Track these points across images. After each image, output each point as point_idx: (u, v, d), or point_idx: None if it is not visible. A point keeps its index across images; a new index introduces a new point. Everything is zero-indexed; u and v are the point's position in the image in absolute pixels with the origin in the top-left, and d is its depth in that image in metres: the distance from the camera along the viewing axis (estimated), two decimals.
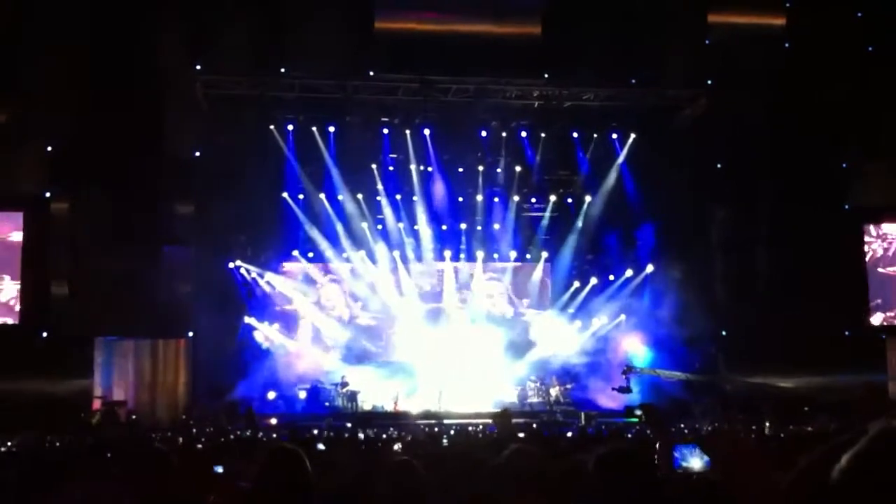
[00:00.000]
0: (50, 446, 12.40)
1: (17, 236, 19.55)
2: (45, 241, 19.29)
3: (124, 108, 18.17)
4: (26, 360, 18.09)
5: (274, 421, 17.93)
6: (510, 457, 4.98)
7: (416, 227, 21.48)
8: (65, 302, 19.22)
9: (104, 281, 18.34)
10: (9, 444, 12.57)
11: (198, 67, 19.18)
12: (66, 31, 17.81)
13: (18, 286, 19.35)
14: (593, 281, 21.54)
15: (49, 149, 19.17)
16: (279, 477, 4.28)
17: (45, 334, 19.00)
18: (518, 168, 21.38)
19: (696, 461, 6.37)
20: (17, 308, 19.33)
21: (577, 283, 21.66)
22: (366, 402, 19.89)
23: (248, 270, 20.97)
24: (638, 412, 11.74)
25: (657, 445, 5.72)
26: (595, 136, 21.28)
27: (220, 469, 6.02)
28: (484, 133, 21.08)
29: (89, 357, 19.24)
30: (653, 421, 7.41)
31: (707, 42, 19.75)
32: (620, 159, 21.33)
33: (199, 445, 11.60)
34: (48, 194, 19.43)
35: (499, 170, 21.47)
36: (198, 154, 19.84)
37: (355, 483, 5.77)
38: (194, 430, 16.13)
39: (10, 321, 19.23)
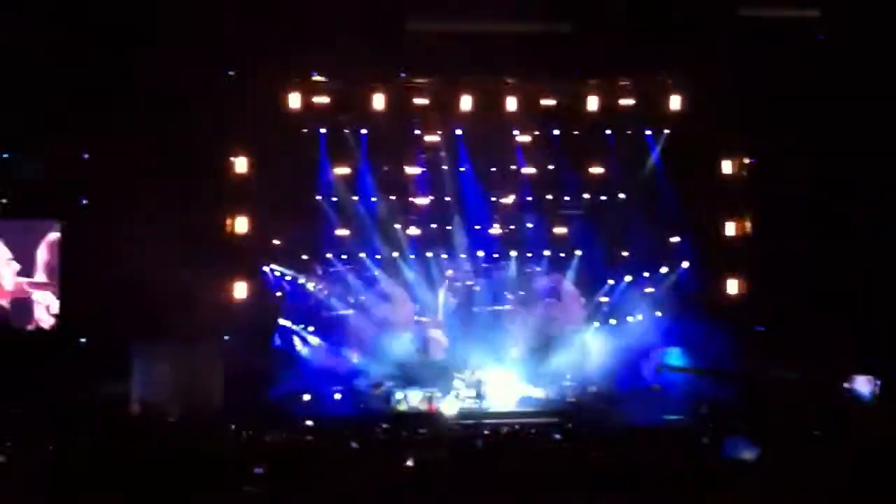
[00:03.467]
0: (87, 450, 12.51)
1: (57, 243, 19.89)
2: (83, 248, 19.59)
3: (157, 113, 18.41)
4: (65, 365, 18.38)
5: (309, 422, 18.00)
6: (549, 455, 4.97)
7: (448, 228, 21.47)
8: (102, 307, 19.50)
9: (140, 286, 18.56)
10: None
11: (230, 73, 19.35)
12: (94, 36, 18.07)
13: (58, 292, 19.67)
14: (628, 278, 21.40)
15: (86, 157, 19.47)
16: (293, 472, 4.33)
17: (83, 340, 19.30)
18: (550, 167, 21.31)
19: (747, 453, 6.35)
20: (57, 314, 19.66)
21: (611, 281, 21.53)
22: (401, 403, 19.90)
23: (282, 273, 21.10)
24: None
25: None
26: (628, 132, 21.16)
27: (259, 470, 6.05)
28: (516, 132, 21.04)
29: (126, 362, 19.48)
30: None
31: (738, 35, 19.56)
32: (655, 156, 21.18)
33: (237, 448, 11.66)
34: (85, 202, 19.75)
35: (531, 169, 21.41)
36: (232, 159, 20.02)
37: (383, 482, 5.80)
38: (231, 432, 16.24)
39: (49, 327, 19.55)
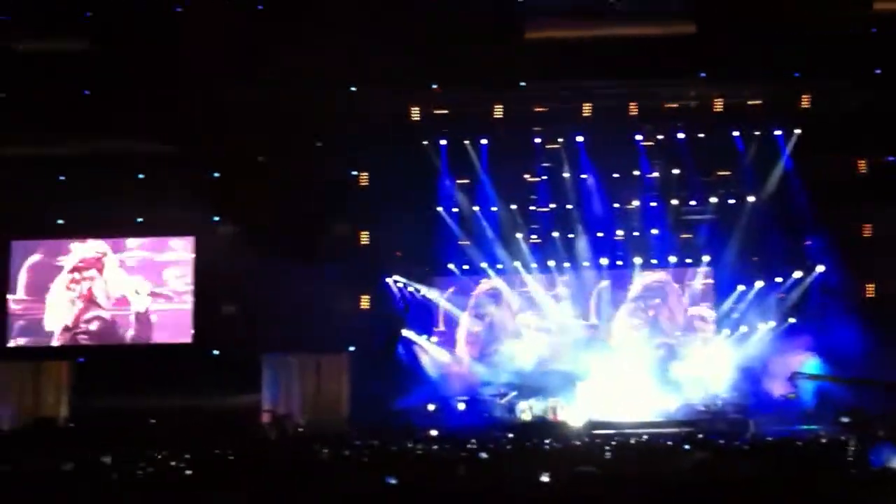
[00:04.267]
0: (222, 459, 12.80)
1: (190, 260, 20.61)
2: (215, 264, 20.22)
3: (280, 130, 18.86)
4: (200, 376, 19.00)
5: (434, 432, 18.04)
6: (696, 468, 4.77)
7: (570, 236, 21.23)
8: (234, 321, 20.09)
9: (269, 300, 19.02)
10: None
11: (352, 88, 19.65)
12: (220, 58, 18.61)
13: (192, 307, 20.37)
14: (759, 284, 20.68)
15: (216, 175, 20.11)
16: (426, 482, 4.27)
17: (216, 352, 19.91)
18: (675, 171, 20.83)
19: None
20: (192, 328, 20.34)
21: (741, 287, 20.84)
22: (525, 413, 19.73)
23: (404, 284, 21.26)
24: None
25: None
26: (756, 133, 20.51)
27: (393, 480, 5.98)
28: (639, 137, 20.65)
29: (257, 373, 20.00)
30: None
31: (874, 31, 18.74)
32: (785, 157, 20.47)
33: (364, 459, 11.72)
34: (216, 219, 20.39)
35: (655, 173, 20.97)
36: (354, 173, 20.32)
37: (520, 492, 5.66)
38: (357, 443, 16.41)
39: (185, 340, 20.25)
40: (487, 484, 5.73)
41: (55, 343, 20.42)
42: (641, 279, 21.32)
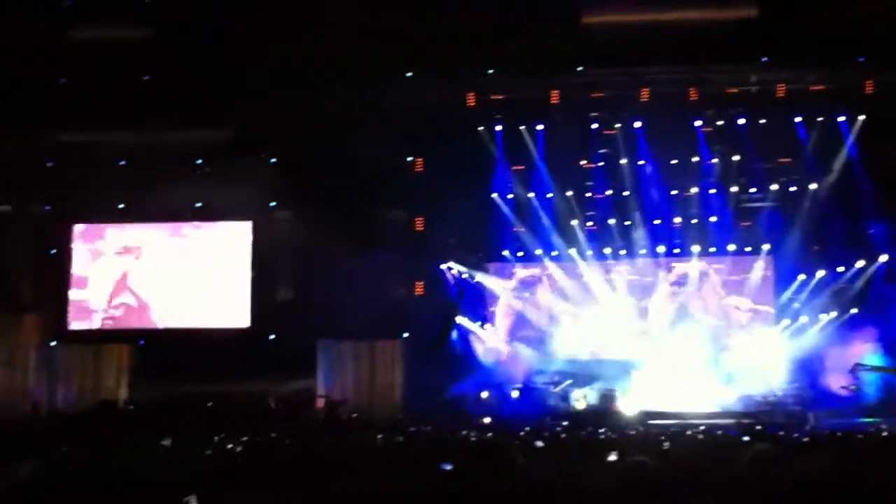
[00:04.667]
0: (276, 445, 12.91)
1: (248, 245, 20.79)
2: (272, 249, 20.40)
3: (336, 118, 18.90)
4: (256, 362, 19.19)
5: (487, 420, 18.02)
6: (755, 460, 4.67)
7: (627, 223, 21.01)
8: (290, 306, 20.26)
9: (324, 286, 19.12)
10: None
11: (408, 74, 19.62)
12: (272, 42, 18.71)
13: (250, 292, 20.57)
14: (820, 273, 20.26)
15: (272, 161, 20.25)
16: (486, 467, 4.23)
17: (272, 337, 20.10)
18: (735, 157, 20.46)
19: None
20: (249, 313, 20.55)
21: (802, 276, 20.44)
22: (579, 402, 19.61)
23: (459, 271, 21.23)
24: None
25: None
26: (819, 119, 20.06)
27: (448, 467, 5.96)
28: (698, 123, 20.33)
29: (312, 358, 20.16)
30: None
31: None
32: (848, 144, 20.00)
33: (418, 445, 11.72)
34: (273, 204, 20.55)
35: (714, 160, 20.63)
36: (409, 159, 20.31)
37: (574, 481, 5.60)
38: (411, 429, 16.45)
39: (242, 325, 20.47)
40: (546, 472, 5.67)
41: (114, 326, 20.75)
42: (696, 267, 21.03)
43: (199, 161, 20.56)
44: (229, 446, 11.89)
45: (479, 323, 21.26)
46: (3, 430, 16.04)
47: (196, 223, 21.09)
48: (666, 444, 9.56)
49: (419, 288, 20.80)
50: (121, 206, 20.86)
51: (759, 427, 14.81)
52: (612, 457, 5.62)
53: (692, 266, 20.96)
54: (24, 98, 18.85)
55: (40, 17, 19.25)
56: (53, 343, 20.66)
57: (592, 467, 6.04)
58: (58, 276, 20.66)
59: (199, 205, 20.88)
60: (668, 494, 4.75)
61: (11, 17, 19.11)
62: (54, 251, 20.73)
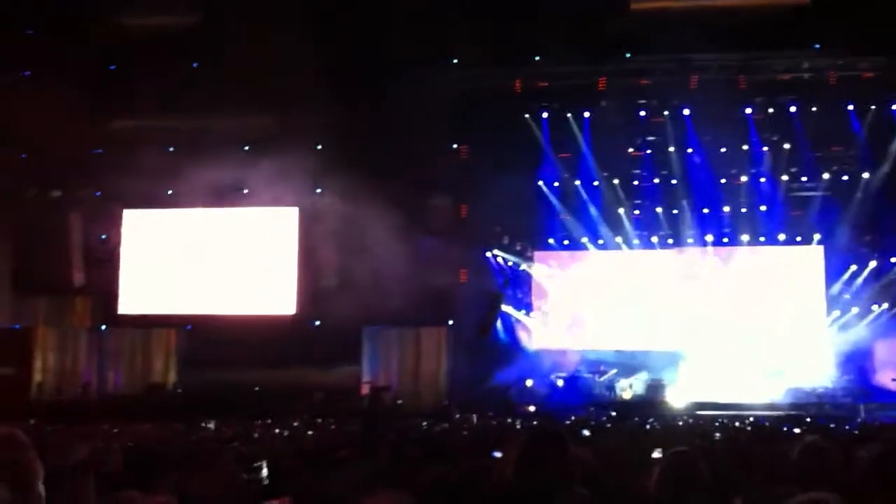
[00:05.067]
0: (323, 430, 12.99)
1: (294, 231, 20.87)
2: (317, 236, 20.46)
3: (383, 105, 18.89)
4: (302, 348, 19.29)
5: (532, 408, 17.98)
6: (806, 451, 4.59)
7: (675, 212, 20.78)
8: (334, 293, 20.30)
9: (369, 272, 19.14)
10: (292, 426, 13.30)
11: (454, 61, 19.56)
12: (320, 30, 18.74)
13: (296, 278, 20.65)
14: (872, 264, 19.88)
15: (319, 147, 20.29)
16: (539, 456, 4.20)
17: (317, 323, 20.18)
18: (786, 145, 20.12)
19: None
20: (295, 299, 20.63)
21: (853, 267, 20.08)
22: (625, 392, 19.47)
23: (504, 259, 21.15)
24: None
25: None
26: (872, 107, 19.65)
27: (498, 454, 5.93)
28: (749, 110, 20.00)
29: (357, 345, 20.21)
30: None
31: None
32: None
33: (465, 432, 11.72)
34: (319, 190, 20.61)
35: (765, 148, 20.30)
36: (454, 147, 20.25)
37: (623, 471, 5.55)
38: (457, 416, 16.46)
39: (288, 312, 20.56)
40: (598, 461, 5.64)
41: (163, 311, 20.97)
42: (744, 257, 20.76)
43: (247, 147, 20.65)
44: (276, 430, 12.01)
45: (524, 311, 21.18)
46: (56, 410, 16.35)
47: (243, 208, 21.20)
48: (717, 435, 9.47)
49: (464, 275, 20.74)
50: (169, 191, 21.03)
51: (808, 419, 14.60)
52: (657, 453, 5.55)
53: (741, 255, 20.68)
54: (74, 86, 19.07)
55: (90, 4, 19.48)
56: (104, 327, 20.94)
57: (643, 457, 5.98)
58: (108, 260, 20.91)
59: (245, 191, 20.98)
60: (722, 485, 4.69)
61: (62, 4, 19.39)
62: (104, 236, 20.96)
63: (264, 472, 5.99)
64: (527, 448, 4.18)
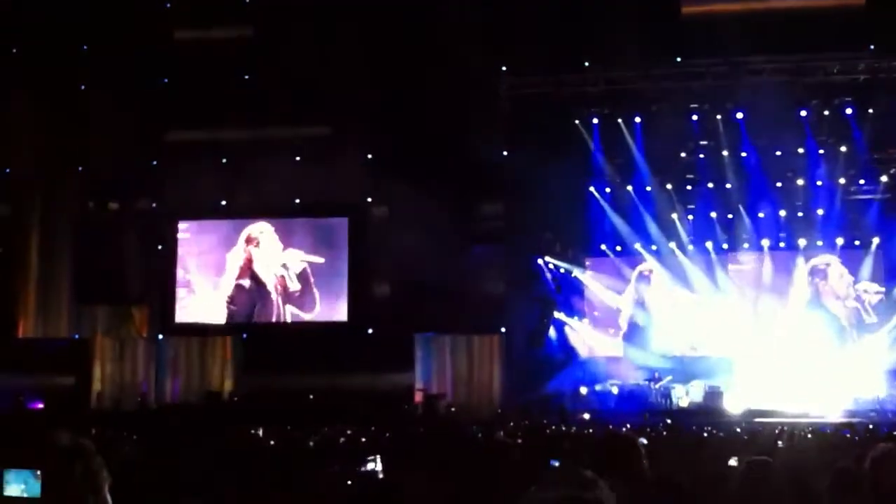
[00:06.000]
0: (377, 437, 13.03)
1: (345, 240, 20.98)
2: (368, 244, 20.57)
3: (433, 113, 18.97)
4: (355, 355, 19.40)
5: (587, 416, 17.85)
6: (879, 459, 4.52)
7: (729, 216, 20.55)
8: (387, 300, 20.38)
9: (421, 280, 19.18)
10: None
11: (503, 68, 19.57)
12: (369, 40, 18.87)
13: (347, 286, 20.75)
14: None
15: (369, 156, 20.42)
16: (613, 460, 4.17)
17: (370, 331, 20.26)
18: (843, 148, 19.81)
19: None
20: (347, 307, 20.73)
21: None
22: (682, 399, 19.25)
23: (556, 266, 21.06)
24: None
25: None
26: None
27: (556, 463, 5.93)
28: (804, 113, 19.72)
29: (410, 352, 20.24)
30: None
31: None
32: None
33: (519, 440, 11.67)
34: (369, 199, 20.72)
35: (821, 151, 20.01)
36: (505, 153, 20.24)
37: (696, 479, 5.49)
38: (510, 424, 16.38)
39: (340, 319, 20.67)
40: (659, 470, 5.58)
41: (219, 321, 21.17)
42: (805, 261, 20.44)
43: (298, 158, 20.84)
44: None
45: (577, 318, 21.05)
46: (114, 419, 16.59)
47: (295, 219, 21.37)
48: (779, 443, 9.34)
49: (514, 282, 20.68)
50: (223, 202, 21.29)
51: (871, 427, 14.32)
52: (733, 461, 5.49)
53: (798, 261, 20.37)
54: (129, 99, 19.43)
55: (144, 19, 19.84)
56: (161, 336, 21.23)
57: (711, 466, 5.93)
58: (164, 271, 21.21)
59: (297, 200, 21.16)
60: (792, 493, 4.63)
61: (116, 19, 19.77)
62: (161, 247, 21.27)
63: (378, 465, 6.38)
64: (601, 448, 4.16)
